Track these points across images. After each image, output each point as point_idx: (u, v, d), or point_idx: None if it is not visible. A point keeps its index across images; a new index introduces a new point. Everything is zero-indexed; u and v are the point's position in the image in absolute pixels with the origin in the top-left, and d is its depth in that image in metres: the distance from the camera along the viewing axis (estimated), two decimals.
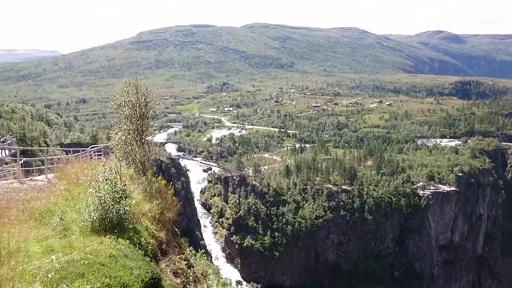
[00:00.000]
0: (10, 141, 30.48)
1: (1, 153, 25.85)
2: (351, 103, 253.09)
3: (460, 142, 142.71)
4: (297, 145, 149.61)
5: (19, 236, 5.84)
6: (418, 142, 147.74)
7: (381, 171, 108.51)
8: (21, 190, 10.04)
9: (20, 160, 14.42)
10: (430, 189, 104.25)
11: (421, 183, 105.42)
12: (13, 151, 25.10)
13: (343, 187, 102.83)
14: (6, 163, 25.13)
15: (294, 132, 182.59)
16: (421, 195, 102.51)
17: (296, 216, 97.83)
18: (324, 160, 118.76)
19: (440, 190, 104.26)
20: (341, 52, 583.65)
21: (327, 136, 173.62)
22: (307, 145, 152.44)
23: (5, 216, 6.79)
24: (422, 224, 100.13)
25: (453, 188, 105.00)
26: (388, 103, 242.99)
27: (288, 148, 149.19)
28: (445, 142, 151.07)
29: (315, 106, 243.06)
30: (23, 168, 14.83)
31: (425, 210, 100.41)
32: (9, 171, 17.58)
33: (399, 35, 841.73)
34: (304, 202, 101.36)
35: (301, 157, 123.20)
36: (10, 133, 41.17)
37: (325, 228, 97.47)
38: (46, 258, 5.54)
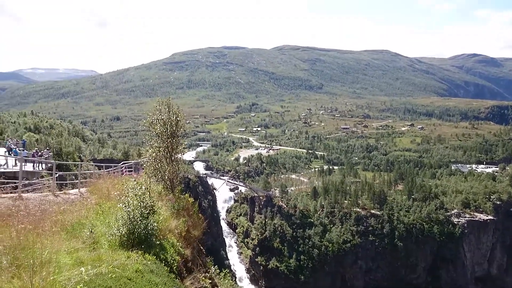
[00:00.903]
0: (47, 155, 31.78)
1: (38, 166, 27.03)
2: (381, 126, 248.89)
3: (497, 169, 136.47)
4: (325, 167, 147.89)
5: (51, 247, 6.01)
6: (452, 168, 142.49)
7: (413, 196, 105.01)
8: (55, 203, 10.39)
9: (56, 174, 14.99)
10: (466, 217, 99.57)
11: (455, 210, 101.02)
12: (49, 165, 26.20)
13: (372, 211, 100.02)
14: (42, 176, 26.17)
15: (322, 153, 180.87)
16: (456, 223, 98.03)
17: (322, 240, 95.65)
18: (353, 183, 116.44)
19: (476, 219, 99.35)
20: (372, 74, 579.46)
21: (356, 158, 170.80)
22: (335, 167, 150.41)
23: (39, 227, 7.02)
24: (456, 253, 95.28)
25: (490, 217, 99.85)
26: (420, 126, 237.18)
27: (316, 169, 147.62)
28: (481, 168, 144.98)
29: (344, 128, 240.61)
30: (57, 182, 15.40)
31: (460, 239, 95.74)
32: (44, 184, 18.29)
33: (433, 58, 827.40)
34: (331, 226, 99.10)
35: (329, 179, 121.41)
36: (47, 148, 43.00)
37: (353, 253, 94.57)
38: (76, 270, 5.66)
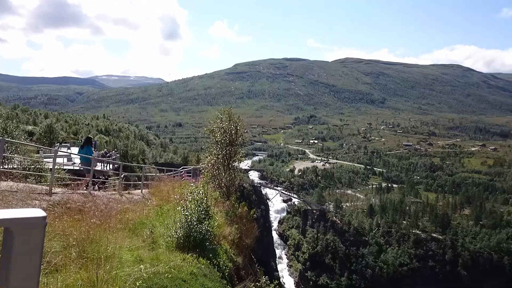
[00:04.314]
0: (114, 157, 33.82)
1: (106, 166, 28.94)
2: (448, 145, 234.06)
3: None
4: (384, 184, 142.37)
5: (115, 243, 6.38)
6: None
7: (481, 223, 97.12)
8: (120, 201, 11.05)
9: (122, 174, 15.97)
10: None
11: None
12: (116, 165, 27.96)
13: (434, 235, 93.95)
14: (109, 176, 27.94)
15: (381, 170, 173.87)
16: None
17: (377, 260, 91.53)
18: (413, 203, 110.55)
19: None
20: (440, 90, 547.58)
21: (418, 177, 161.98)
22: (394, 185, 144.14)
23: (105, 223, 7.51)
24: None
25: None
26: (493, 147, 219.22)
27: (374, 186, 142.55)
28: None
29: (406, 145, 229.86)
30: (123, 182, 16.38)
31: None
32: (110, 183, 19.54)
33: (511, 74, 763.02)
34: (387, 246, 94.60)
35: (387, 197, 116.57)
36: (115, 149, 45.95)
37: (410, 278, 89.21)
38: (136, 267, 5.96)
